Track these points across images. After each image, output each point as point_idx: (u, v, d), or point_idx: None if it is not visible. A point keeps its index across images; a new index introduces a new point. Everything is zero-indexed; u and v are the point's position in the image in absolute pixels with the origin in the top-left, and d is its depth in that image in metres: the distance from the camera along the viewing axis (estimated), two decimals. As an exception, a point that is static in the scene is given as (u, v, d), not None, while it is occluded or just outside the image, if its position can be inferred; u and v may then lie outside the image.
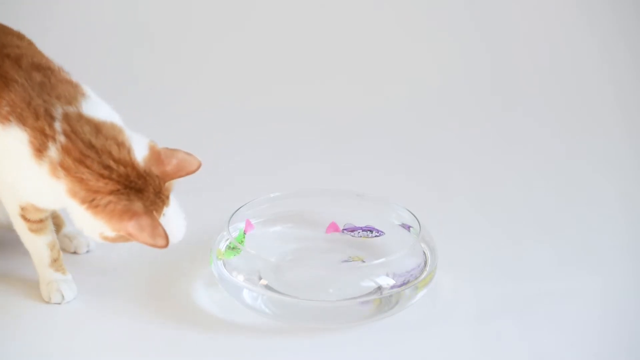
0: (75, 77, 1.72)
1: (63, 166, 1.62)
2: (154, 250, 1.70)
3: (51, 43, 1.94)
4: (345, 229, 1.89)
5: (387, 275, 1.71)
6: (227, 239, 1.77)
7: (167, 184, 1.66)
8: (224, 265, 1.75)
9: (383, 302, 1.71)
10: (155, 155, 1.66)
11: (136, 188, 1.62)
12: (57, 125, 1.63)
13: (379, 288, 1.71)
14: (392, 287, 1.70)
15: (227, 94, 2.54)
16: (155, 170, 1.64)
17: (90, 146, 1.62)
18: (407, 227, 1.84)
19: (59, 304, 1.77)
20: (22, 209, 1.74)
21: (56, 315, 1.74)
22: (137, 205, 1.62)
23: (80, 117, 1.65)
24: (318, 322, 1.70)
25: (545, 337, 1.69)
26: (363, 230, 1.87)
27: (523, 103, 2.57)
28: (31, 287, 1.80)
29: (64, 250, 1.91)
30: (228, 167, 2.28)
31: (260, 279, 1.72)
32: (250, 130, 2.45)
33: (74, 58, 1.94)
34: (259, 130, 2.46)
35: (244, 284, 1.72)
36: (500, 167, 2.31)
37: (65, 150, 1.62)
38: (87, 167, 1.61)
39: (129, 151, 1.64)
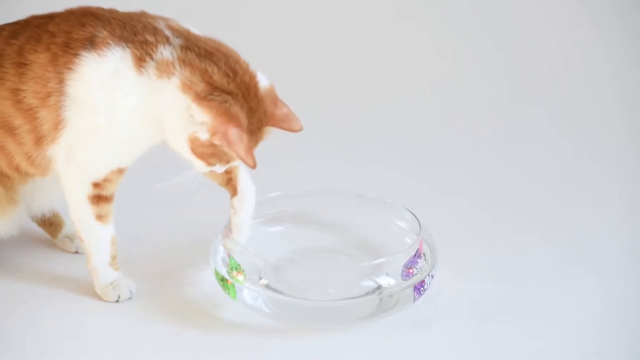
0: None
1: (182, 60, 1.56)
2: (153, 251, 1.70)
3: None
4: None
5: (387, 274, 1.71)
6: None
7: (265, 127, 1.62)
8: (224, 265, 1.75)
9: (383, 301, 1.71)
10: (273, 94, 1.62)
11: (249, 105, 1.58)
12: (165, 32, 1.61)
13: (379, 288, 1.71)
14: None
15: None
16: (268, 106, 1.61)
17: (215, 49, 1.59)
18: None
19: (129, 298, 1.77)
20: (99, 184, 1.66)
21: (57, 316, 1.74)
22: (244, 120, 1.57)
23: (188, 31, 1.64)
24: (318, 322, 1.70)
25: (545, 337, 1.69)
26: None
27: (524, 103, 2.57)
28: (27, 284, 1.81)
29: (64, 250, 1.91)
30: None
31: (260, 278, 1.72)
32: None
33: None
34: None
35: (244, 284, 1.72)
36: (500, 166, 2.31)
37: (184, 48, 1.58)
38: (214, 62, 1.57)
39: (252, 70, 1.60)
